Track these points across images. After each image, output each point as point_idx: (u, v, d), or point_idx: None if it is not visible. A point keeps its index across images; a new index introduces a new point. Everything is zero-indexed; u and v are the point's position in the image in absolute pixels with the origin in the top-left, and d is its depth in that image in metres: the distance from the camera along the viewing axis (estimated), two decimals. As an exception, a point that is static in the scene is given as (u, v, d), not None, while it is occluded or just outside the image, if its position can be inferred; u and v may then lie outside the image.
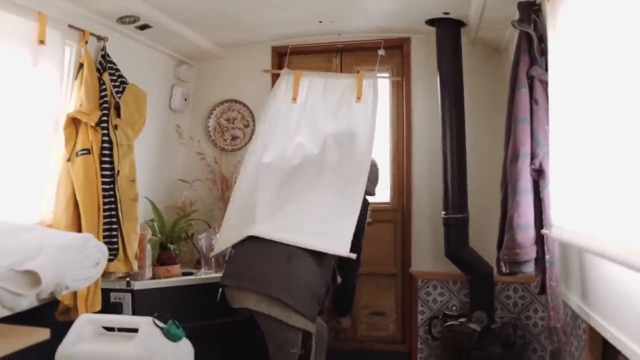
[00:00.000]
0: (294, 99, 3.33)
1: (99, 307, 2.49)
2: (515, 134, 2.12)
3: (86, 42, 2.52)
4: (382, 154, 3.54)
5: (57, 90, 2.41)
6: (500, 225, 2.24)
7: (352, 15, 3.11)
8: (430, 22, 3.11)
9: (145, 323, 1.99)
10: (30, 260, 1.46)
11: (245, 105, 3.69)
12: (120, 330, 2.16)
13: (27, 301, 1.44)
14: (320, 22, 3.20)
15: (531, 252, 2.09)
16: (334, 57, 3.63)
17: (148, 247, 2.88)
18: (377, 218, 3.35)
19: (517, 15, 2.25)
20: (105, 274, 2.59)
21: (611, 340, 1.75)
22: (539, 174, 2.07)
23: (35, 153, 2.37)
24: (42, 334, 1.52)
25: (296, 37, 3.52)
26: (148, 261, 2.88)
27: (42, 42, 2.21)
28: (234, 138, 3.71)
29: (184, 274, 3.07)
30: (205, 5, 2.84)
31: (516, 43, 2.22)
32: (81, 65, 2.50)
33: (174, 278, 2.96)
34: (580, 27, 1.66)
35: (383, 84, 3.54)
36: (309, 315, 2.47)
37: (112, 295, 2.76)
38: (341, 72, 3.59)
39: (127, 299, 2.76)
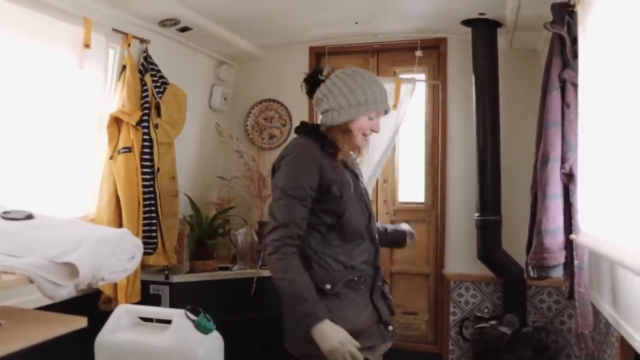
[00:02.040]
0: None
1: (138, 298, 2.61)
2: (545, 137, 2.10)
3: (129, 45, 2.64)
4: (417, 154, 3.58)
5: (101, 91, 2.53)
6: (529, 229, 2.22)
7: (387, 16, 3.12)
8: (467, 22, 3.09)
9: (178, 315, 2.08)
10: (70, 253, 1.54)
11: (282, 105, 3.77)
12: (159, 321, 2.26)
13: (66, 291, 1.51)
14: (357, 23, 3.23)
15: (559, 257, 2.06)
16: (371, 58, 3.66)
17: (186, 241, 2.99)
18: (411, 218, 3.37)
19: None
20: (145, 267, 2.72)
21: (639, 350, 1.72)
22: (569, 179, 2.05)
23: (80, 151, 2.50)
24: (79, 322, 1.62)
25: (333, 38, 3.56)
26: (186, 255, 3.00)
27: (87, 46, 2.33)
28: (271, 137, 3.79)
29: (221, 269, 3.17)
30: (244, 9, 2.91)
31: (549, 45, 2.19)
32: (124, 67, 2.63)
33: (211, 272, 3.07)
34: (610, 32, 1.63)
35: (419, 85, 3.54)
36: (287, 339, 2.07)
37: (152, 287, 2.89)
38: (378, 72, 3.62)
39: (165, 291, 2.88)
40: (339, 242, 1.99)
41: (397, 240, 2.35)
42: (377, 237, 2.08)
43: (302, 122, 2.15)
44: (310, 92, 2.07)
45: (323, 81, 2.02)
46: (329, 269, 1.98)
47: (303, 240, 1.96)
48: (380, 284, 2.06)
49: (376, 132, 2.02)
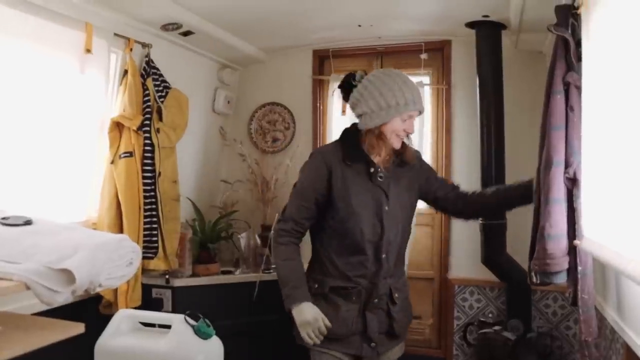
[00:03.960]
0: (343, 111, 3.45)
1: (138, 303, 2.61)
2: (549, 141, 2.06)
3: (131, 50, 2.64)
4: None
5: (103, 95, 2.54)
6: (532, 234, 2.18)
7: (391, 19, 3.11)
8: (471, 24, 3.07)
9: (177, 320, 2.07)
10: (67, 259, 1.54)
11: (286, 108, 3.76)
12: (161, 326, 2.25)
13: (63, 297, 1.51)
14: (360, 26, 3.21)
15: (563, 263, 2.02)
16: (375, 60, 3.63)
17: (188, 245, 2.99)
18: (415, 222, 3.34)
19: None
20: (146, 271, 2.72)
21: (643, 358, 1.69)
22: (572, 183, 2.01)
23: (82, 155, 2.50)
24: (77, 328, 1.62)
25: (337, 41, 3.55)
26: (188, 259, 3.00)
27: (88, 51, 2.33)
28: (274, 140, 3.78)
29: (224, 273, 3.16)
30: (247, 12, 2.90)
31: (553, 48, 2.16)
32: (126, 72, 2.62)
33: (213, 276, 3.06)
34: (614, 35, 1.61)
35: (425, 88, 3.52)
36: None
37: (154, 291, 2.89)
38: (381, 75, 3.60)
39: (167, 294, 2.89)
40: (339, 250, 2.07)
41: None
42: (386, 256, 2.07)
43: (350, 127, 2.17)
44: (345, 98, 2.13)
45: (356, 86, 2.06)
46: (325, 271, 2.08)
47: (314, 237, 2.14)
48: (376, 301, 2.07)
49: (410, 133, 2.06)
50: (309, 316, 1.96)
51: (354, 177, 2.05)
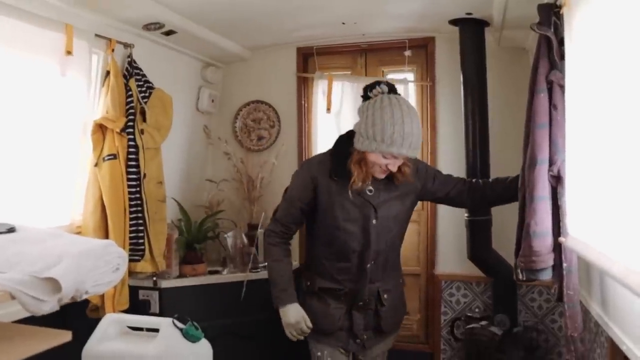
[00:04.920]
0: (328, 109, 3.46)
1: (126, 306, 2.58)
2: (533, 139, 2.08)
3: (113, 50, 2.60)
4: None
5: (85, 97, 2.50)
6: (517, 231, 2.21)
7: (374, 16, 3.10)
8: (454, 22, 3.08)
9: (165, 324, 2.06)
10: (52, 268, 1.52)
11: (271, 106, 3.74)
12: (149, 330, 2.23)
13: (49, 306, 1.50)
14: (344, 23, 3.20)
15: (548, 260, 2.04)
16: (359, 57, 3.63)
17: (175, 246, 2.97)
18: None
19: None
20: (133, 274, 2.70)
21: (627, 353, 1.72)
22: (557, 181, 2.03)
23: (65, 159, 2.47)
24: (63, 337, 1.59)
25: (320, 39, 3.53)
26: (175, 260, 2.98)
27: (69, 52, 2.30)
28: (259, 138, 3.76)
29: (210, 272, 3.15)
30: (230, 11, 2.87)
31: (536, 46, 2.17)
32: (108, 73, 2.58)
33: (200, 276, 3.05)
34: (596, 33, 1.62)
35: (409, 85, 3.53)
36: None
37: (141, 292, 2.88)
38: (366, 71, 3.61)
39: (154, 296, 2.87)
40: (327, 254, 2.18)
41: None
42: (373, 264, 2.14)
43: (345, 134, 2.15)
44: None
45: (370, 97, 2.04)
46: (316, 271, 2.22)
47: (308, 238, 2.29)
48: (361, 303, 2.17)
49: (392, 171, 2.04)
50: (292, 319, 2.14)
51: (340, 190, 2.08)
